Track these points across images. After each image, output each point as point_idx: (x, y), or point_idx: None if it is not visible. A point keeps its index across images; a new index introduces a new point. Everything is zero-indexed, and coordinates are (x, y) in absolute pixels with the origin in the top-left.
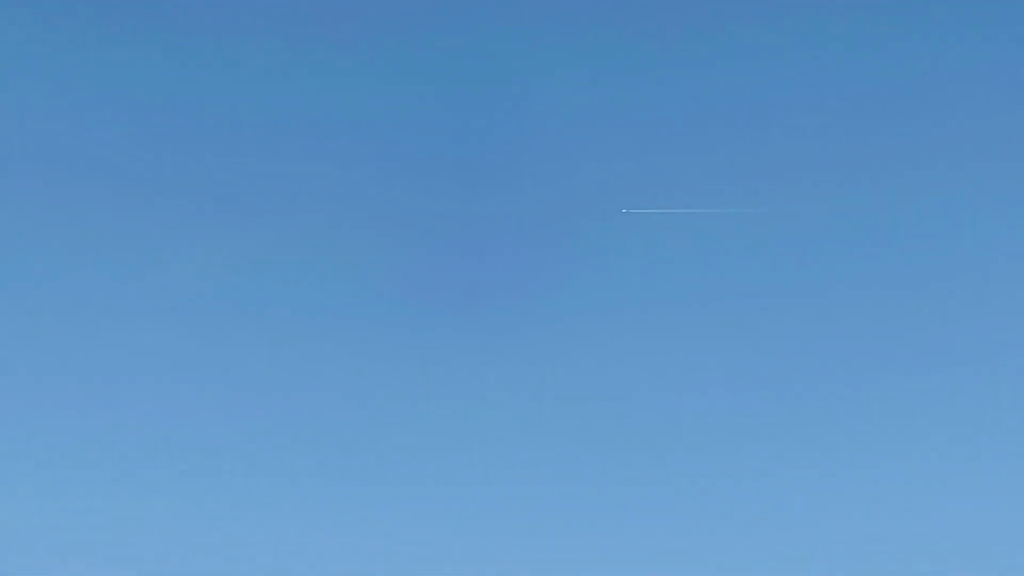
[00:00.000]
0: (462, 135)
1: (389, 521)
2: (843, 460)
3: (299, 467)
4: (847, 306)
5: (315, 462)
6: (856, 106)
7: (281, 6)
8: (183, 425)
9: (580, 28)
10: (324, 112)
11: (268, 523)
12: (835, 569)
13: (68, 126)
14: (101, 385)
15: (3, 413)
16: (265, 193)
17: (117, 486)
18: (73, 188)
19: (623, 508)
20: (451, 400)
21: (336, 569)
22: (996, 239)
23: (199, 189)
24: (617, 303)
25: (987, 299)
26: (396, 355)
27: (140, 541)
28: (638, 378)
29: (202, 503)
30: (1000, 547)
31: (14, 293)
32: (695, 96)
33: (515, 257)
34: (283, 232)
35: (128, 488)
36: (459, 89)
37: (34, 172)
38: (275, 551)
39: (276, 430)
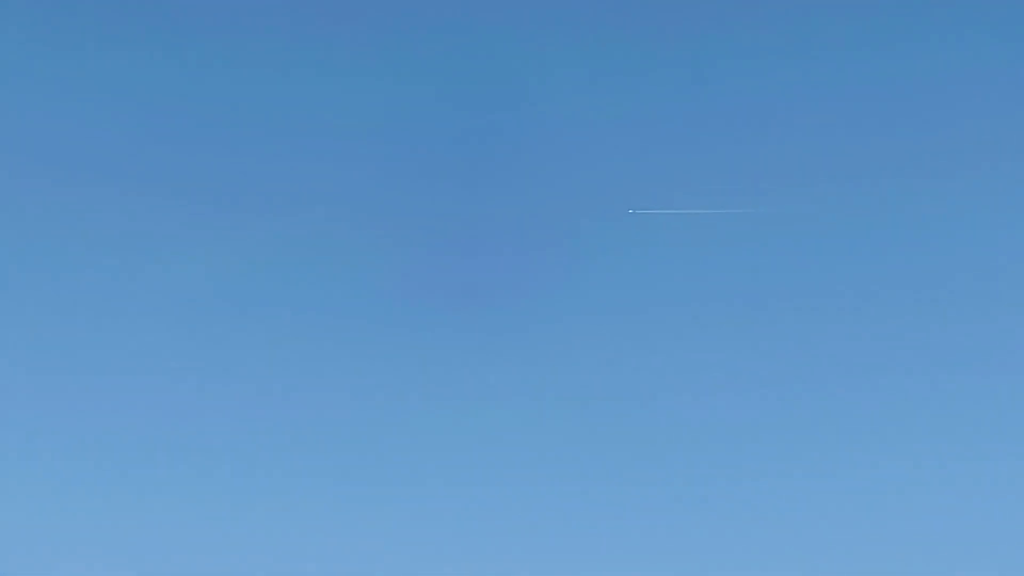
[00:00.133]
0: (468, 135)
1: (390, 520)
2: (850, 461)
3: (300, 466)
4: (852, 306)
5: (316, 461)
6: (861, 107)
7: (284, 6)
8: (183, 424)
9: (586, 28)
10: (329, 112)
11: (269, 521)
12: (835, 569)
13: (72, 126)
14: (103, 384)
15: (3, 411)
16: (269, 193)
17: (118, 485)
18: (76, 188)
19: (624, 508)
20: (456, 400)
21: (336, 569)
22: (998, 240)
23: (201, 188)
24: (623, 303)
25: (989, 300)
26: (400, 355)
27: (140, 539)
28: (643, 379)
29: (202, 502)
30: (1000, 548)
31: (16, 292)
32: (701, 96)
33: (521, 257)
34: (287, 231)
35: (129, 486)
36: (465, 89)
37: (37, 171)
38: (275, 550)
39: (277, 429)
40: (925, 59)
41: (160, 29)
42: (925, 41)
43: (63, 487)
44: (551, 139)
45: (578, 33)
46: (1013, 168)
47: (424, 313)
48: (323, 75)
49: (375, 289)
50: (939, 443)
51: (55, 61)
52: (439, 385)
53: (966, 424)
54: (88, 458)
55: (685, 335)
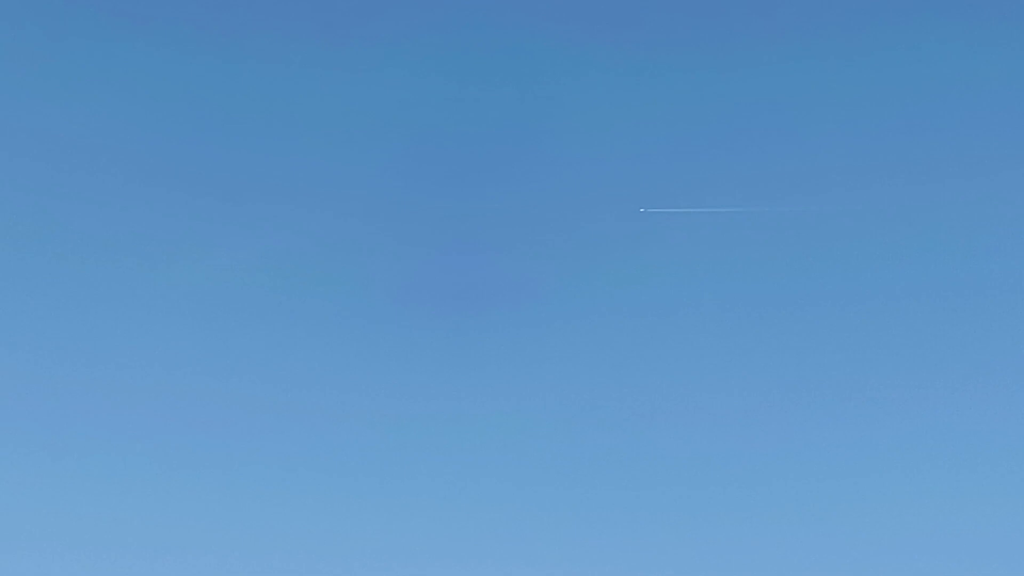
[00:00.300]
0: (480, 135)
1: (393, 519)
2: (862, 458)
3: (302, 465)
4: (865, 305)
5: (319, 460)
6: (874, 108)
7: (296, 8)
8: (185, 421)
9: (597, 29)
10: (344, 111)
11: (272, 517)
12: (836, 570)
13: (86, 126)
14: (108, 380)
15: (6, 408)
16: (281, 191)
17: (120, 480)
18: (86, 188)
19: (629, 508)
20: (462, 398)
21: (338, 566)
22: (1014, 243)
23: (208, 187)
24: (633, 302)
25: (1004, 303)
26: (412, 353)
27: (141, 538)
28: (650, 378)
29: (203, 500)
30: (1001, 550)
31: (18, 291)
32: (711, 97)
33: (532, 256)
34: (295, 231)
35: (130, 482)
36: (477, 90)
37: (53, 171)
38: (280, 545)
39: (280, 428)
40: (944, 61)
41: (174, 28)
42: (944, 44)
43: (71, 479)
44: (562, 139)
45: (590, 34)
46: None
47: (434, 311)
48: (335, 75)
49: (386, 287)
50: (950, 445)
51: (75, 61)
52: (446, 383)
53: (979, 427)
54: (94, 450)
55: (696, 333)
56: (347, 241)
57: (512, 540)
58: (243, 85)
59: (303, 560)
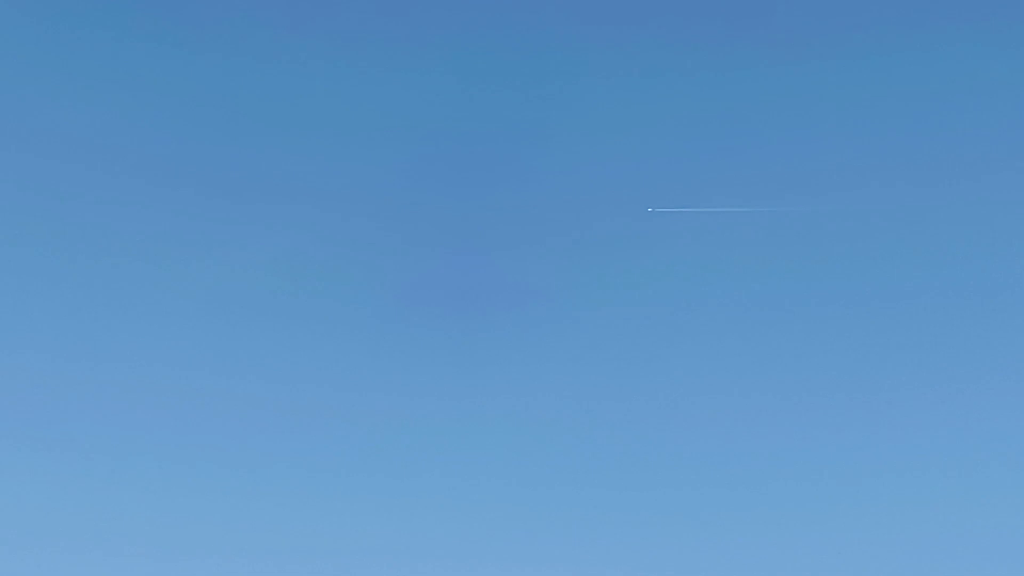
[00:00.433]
0: (486, 135)
1: (397, 519)
2: (869, 460)
3: (308, 464)
4: (876, 305)
5: (325, 459)
6: (883, 108)
7: (304, 8)
8: (191, 420)
9: (605, 30)
10: (350, 112)
11: (276, 517)
12: (843, 571)
13: (94, 124)
14: (115, 378)
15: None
16: (285, 192)
17: (127, 480)
18: (94, 187)
19: (632, 509)
20: (468, 397)
21: (344, 565)
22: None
23: (214, 187)
24: (640, 302)
25: (1013, 305)
26: (418, 353)
27: (148, 537)
28: (660, 379)
29: (208, 499)
30: (1005, 551)
31: (26, 289)
32: (718, 96)
33: (539, 256)
34: (301, 230)
35: (137, 481)
36: (483, 90)
37: (61, 170)
38: (283, 545)
39: (286, 426)
40: (950, 62)
41: (181, 27)
42: (951, 44)
43: (79, 480)
44: (570, 139)
45: (597, 34)
46: None
47: (441, 310)
48: (343, 75)
49: (393, 287)
50: (956, 447)
51: (80, 60)
52: (453, 383)
53: (985, 429)
54: (99, 453)
55: (703, 334)
56: (354, 240)
57: (517, 540)
58: (251, 84)
59: (309, 559)
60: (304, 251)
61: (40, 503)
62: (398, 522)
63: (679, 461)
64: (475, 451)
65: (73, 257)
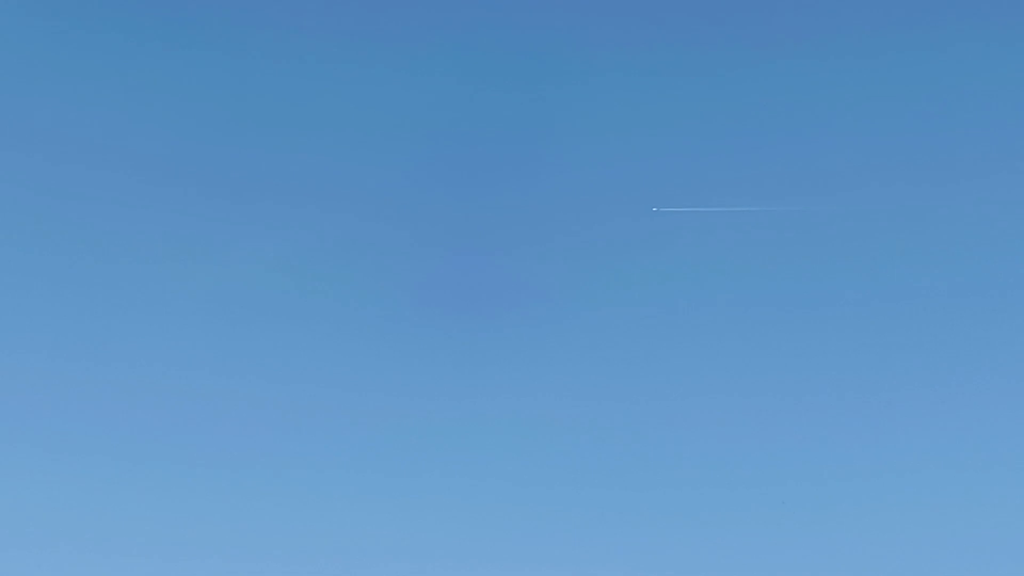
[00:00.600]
0: (491, 136)
1: (400, 518)
2: (874, 461)
3: (313, 464)
4: (882, 305)
5: (330, 459)
6: (889, 107)
7: (310, 8)
8: (197, 420)
9: (610, 30)
10: (355, 113)
11: (279, 517)
12: (847, 572)
13: (101, 125)
14: (121, 379)
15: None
16: (291, 192)
17: (132, 479)
18: (101, 187)
19: (637, 510)
20: (475, 399)
21: (349, 564)
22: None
23: (220, 188)
24: (646, 302)
25: (1019, 305)
26: (419, 354)
27: (154, 537)
28: (666, 379)
29: (213, 499)
30: (1007, 551)
31: (33, 290)
32: (725, 96)
33: (545, 256)
34: (307, 231)
35: (142, 481)
36: (491, 91)
37: (67, 170)
38: (288, 544)
39: (292, 426)
40: (956, 62)
41: (187, 27)
42: (957, 44)
43: (85, 480)
44: (575, 139)
45: (602, 34)
46: None
47: (447, 311)
48: (349, 76)
49: (399, 287)
50: (961, 447)
51: (87, 60)
52: (458, 383)
53: (988, 431)
54: (104, 454)
55: (709, 334)
56: (360, 241)
57: (521, 540)
58: (257, 85)
59: (315, 558)
60: (309, 251)
61: (43, 503)
62: (400, 522)
63: (684, 462)
64: (480, 451)
65: (80, 257)
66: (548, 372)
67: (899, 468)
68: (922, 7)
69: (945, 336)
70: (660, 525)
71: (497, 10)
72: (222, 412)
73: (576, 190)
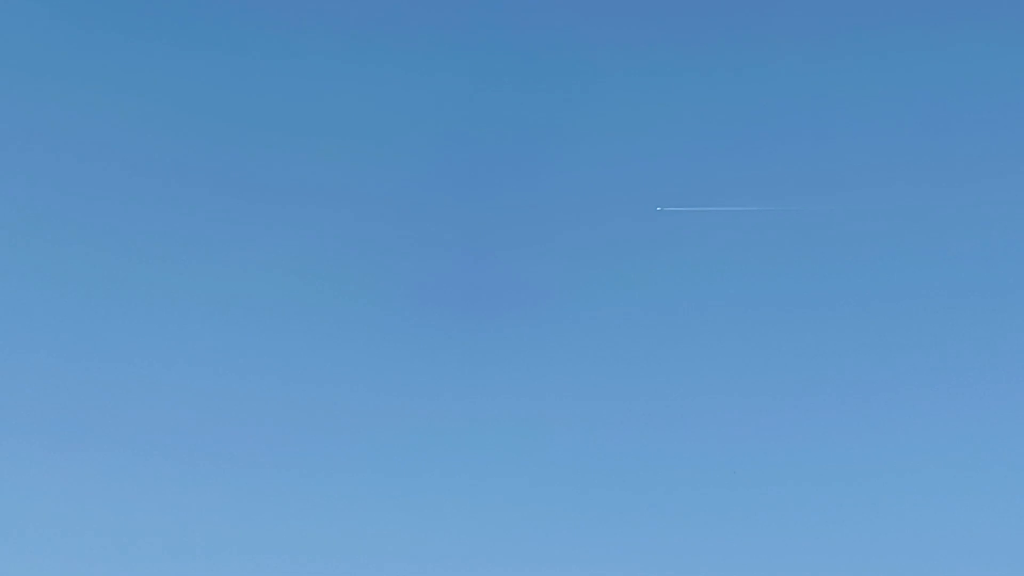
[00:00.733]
0: (497, 137)
1: (404, 520)
2: (877, 461)
3: (317, 464)
4: (886, 305)
5: (334, 459)
6: (893, 107)
7: (317, 9)
8: (201, 419)
9: (613, 30)
10: (360, 113)
11: (282, 517)
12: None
13: (108, 125)
14: (125, 378)
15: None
16: (296, 193)
17: (135, 479)
18: (107, 187)
19: (641, 511)
20: (479, 399)
21: (353, 565)
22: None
23: (225, 188)
24: (650, 302)
25: (1013, 305)
26: (424, 355)
27: (158, 536)
28: (670, 379)
29: (216, 499)
30: (1006, 551)
31: (39, 289)
32: (729, 95)
33: (550, 256)
34: (312, 231)
35: (145, 481)
36: (494, 92)
37: (74, 170)
38: (291, 545)
39: (296, 426)
40: (961, 62)
41: (195, 27)
42: (961, 44)
43: (89, 480)
44: (579, 139)
45: (605, 34)
46: None
47: (452, 311)
48: (354, 76)
49: (403, 288)
50: (964, 448)
51: (95, 59)
52: (463, 383)
53: (990, 433)
54: (107, 453)
55: (713, 334)
56: (364, 242)
57: (522, 540)
58: (259, 85)
59: (318, 558)
60: (312, 251)
61: (44, 502)
62: (401, 522)
63: (684, 462)
64: (482, 450)
65: (83, 257)
66: (551, 372)
67: (899, 468)
68: (922, 7)
69: (945, 336)
70: (660, 525)
71: (498, 11)
72: (224, 411)
73: (579, 190)
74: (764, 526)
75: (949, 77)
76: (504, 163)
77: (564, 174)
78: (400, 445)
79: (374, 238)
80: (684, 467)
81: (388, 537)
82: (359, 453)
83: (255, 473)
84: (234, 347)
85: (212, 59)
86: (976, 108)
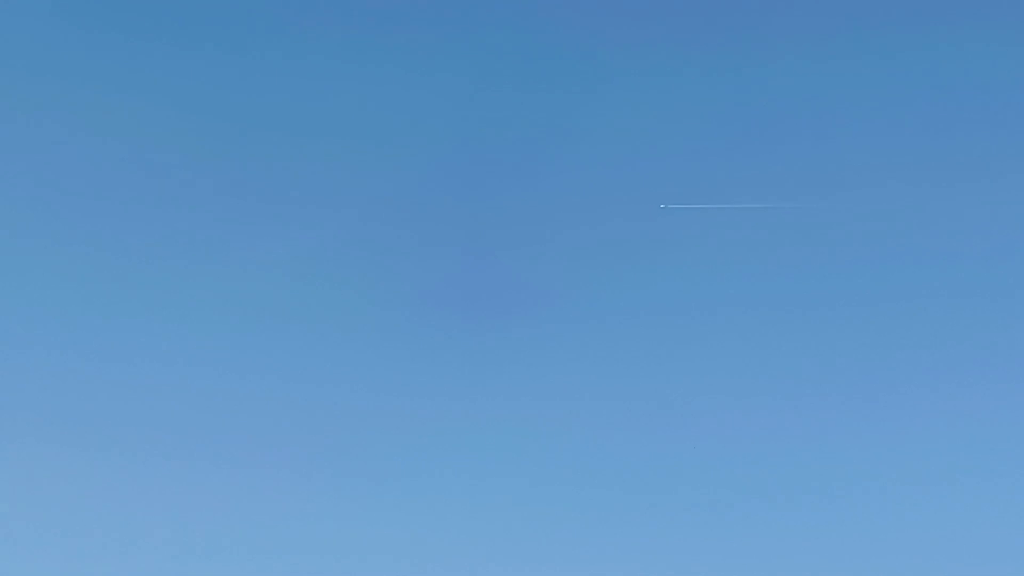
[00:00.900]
0: (500, 136)
1: (405, 520)
2: (878, 461)
3: (319, 464)
4: (889, 304)
5: (336, 460)
6: (895, 106)
7: (319, 10)
8: (203, 419)
9: (615, 29)
10: (362, 113)
11: (284, 517)
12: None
13: (111, 125)
14: (128, 378)
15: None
16: (298, 193)
17: (137, 478)
18: (110, 187)
19: (643, 511)
20: (481, 400)
21: (354, 565)
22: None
23: (227, 188)
24: (653, 302)
25: (1013, 305)
26: (426, 355)
27: (160, 536)
28: (673, 379)
29: (218, 499)
30: (1006, 551)
31: (44, 289)
32: (732, 94)
33: (553, 256)
34: (315, 231)
35: (147, 480)
36: (497, 91)
37: (78, 170)
38: (292, 545)
39: (297, 427)
40: (963, 61)
41: (197, 29)
42: (963, 44)
43: (91, 479)
44: (581, 138)
45: (607, 33)
46: None
47: (454, 311)
48: (357, 77)
49: (406, 288)
50: (967, 448)
51: (98, 60)
52: (465, 384)
53: (991, 432)
54: (109, 453)
55: (717, 334)
56: (366, 242)
57: (525, 541)
58: (261, 86)
59: (319, 558)
60: (314, 252)
61: (45, 502)
62: (402, 522)
63: (685, 462)
64: (484, 451)
65: (86, 257)
66: (552, 372)
67: (899, 467)
68: (922, 7)
69: (945, 336)
70: (661, 525)
71: (500, 11)
72: (225, 411)
73: (580, 190)
74: (764, 526)
75: (949, 77)
76: (505, 163)
77: (565, 174)
78: (401, 445)
79: (375, 238)
80: (685, 467)
81: (388, 537)
82: (360, 453)
83: (255, 473)
84: (235, 347)
85: (212, 59)
86: (976, 108)
